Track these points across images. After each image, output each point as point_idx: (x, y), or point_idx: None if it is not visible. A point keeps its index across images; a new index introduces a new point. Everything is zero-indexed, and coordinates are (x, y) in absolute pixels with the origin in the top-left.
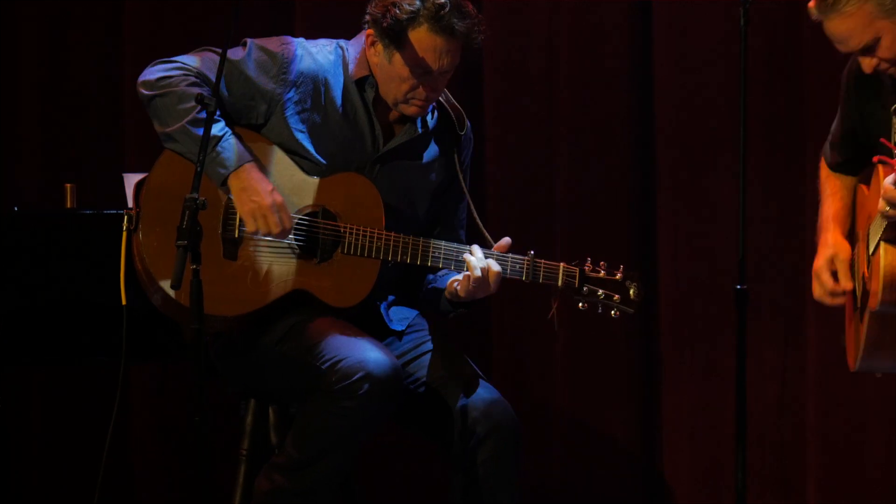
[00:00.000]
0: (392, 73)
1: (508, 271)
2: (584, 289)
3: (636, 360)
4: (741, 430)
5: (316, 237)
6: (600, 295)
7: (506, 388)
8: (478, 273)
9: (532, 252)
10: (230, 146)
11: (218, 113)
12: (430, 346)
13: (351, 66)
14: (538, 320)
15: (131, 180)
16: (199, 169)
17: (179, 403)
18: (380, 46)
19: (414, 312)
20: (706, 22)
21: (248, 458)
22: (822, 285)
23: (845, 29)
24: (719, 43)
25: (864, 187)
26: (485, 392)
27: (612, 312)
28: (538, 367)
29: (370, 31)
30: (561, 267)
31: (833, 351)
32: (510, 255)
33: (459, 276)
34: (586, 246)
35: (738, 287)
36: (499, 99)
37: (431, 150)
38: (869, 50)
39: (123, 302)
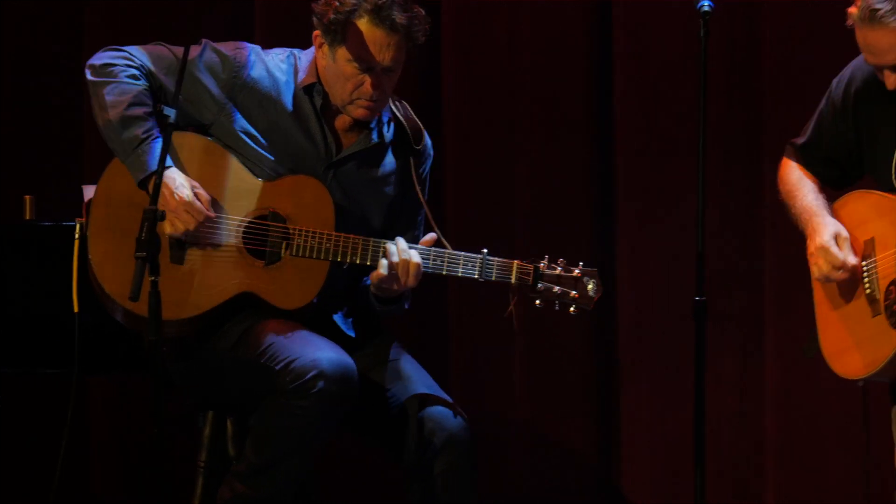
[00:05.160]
0: (337, 71)
1: (461, 271)
2: (540, 286)
3: (595, 371)
4: (699, 440)
5: (264, 240)
6: (556, 291)
7: (464, 399)
8: (394, 259)
9: (485, 250)
10: (152, 150)
11: (150, 111)
12: (387, 356)
13: (301, 74)
14: (497, 331)
15: (91, 192)
16: (157, 180)
17: (139, 415)
18: (326, 47)
19: (371, 323)
20: (666, 32)
21: (206, 470)
22: (829, 261)
23: (887, 42)
24: (679, 53)
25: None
26: (441, 404)
27: (571, 309)
28: (496, 378)
29: (317, 31)
30: (514, 264)
31: (791, 362)
32: (462, 252)
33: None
34: (546, 255)
35: (697, 298)
36: (458, 107)
37: (388, 163)
38: None
39: (75, 309)
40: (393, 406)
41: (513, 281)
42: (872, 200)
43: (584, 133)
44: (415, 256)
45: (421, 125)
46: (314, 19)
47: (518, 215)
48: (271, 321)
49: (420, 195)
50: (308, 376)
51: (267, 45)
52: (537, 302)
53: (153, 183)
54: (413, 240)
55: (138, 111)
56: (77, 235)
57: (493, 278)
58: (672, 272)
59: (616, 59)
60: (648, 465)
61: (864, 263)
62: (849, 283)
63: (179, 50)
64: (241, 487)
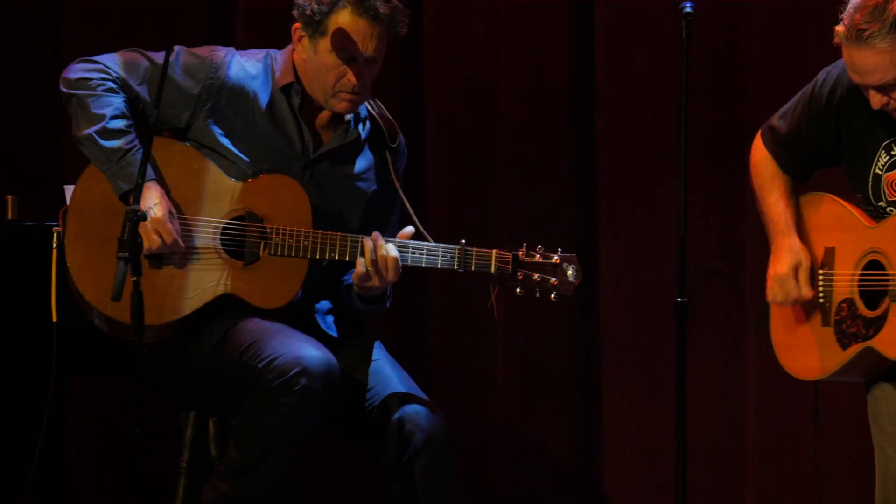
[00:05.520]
0: (319, 63)
1: (440, 263)
2: (519, 274)
3: (577, 370)
4: (681, 441)
5: (242, 240)
6: (536, 279)
7: (445, 399)
8: (371, 256)
9: (463, 241)
10: (136, 161)
11: (130, 124)
12: (369, 356)
13: (277, 74)
14: (478, 329)
15: (72, 193)
16: (139, 181)
17: (121, 416)
18: (306, 40)
19: (352, 322)
20: (648, 35)
21: (188, 470)
22: (787, 293)
23: (872, 63)
24: (661, 56)
25: (831, 202)
26: (420, 404)
27: (552, 296)
28: (478, 378)
29: (297, 24)
30: (493, 253)
31: (773, 362)
32: (440, 244)
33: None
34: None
35: (679, 299)
36: (440, 109)
37: (364, 160)
38: (886, 88)
39: (54, 319)
40: (373, 406)
41: (492, 270)
42: (839, 212)
43: (565, 133)
44: (392, 250)
45: (395, 123)
46: (295, 11)
47: (498, 219)
48: (251, 320)
49: (399, 191)
50: (291, 373)
51: (248, 45)
52: (518, 290)
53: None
54: (391, 237)
55: (120, 124)
56: (55, 244)
57: (473, 268)
58: (654, 272)
59: (598, 59)
60: (630, 465)
61: (821, 272)
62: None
63: (155, 55)
64: (224, 487)
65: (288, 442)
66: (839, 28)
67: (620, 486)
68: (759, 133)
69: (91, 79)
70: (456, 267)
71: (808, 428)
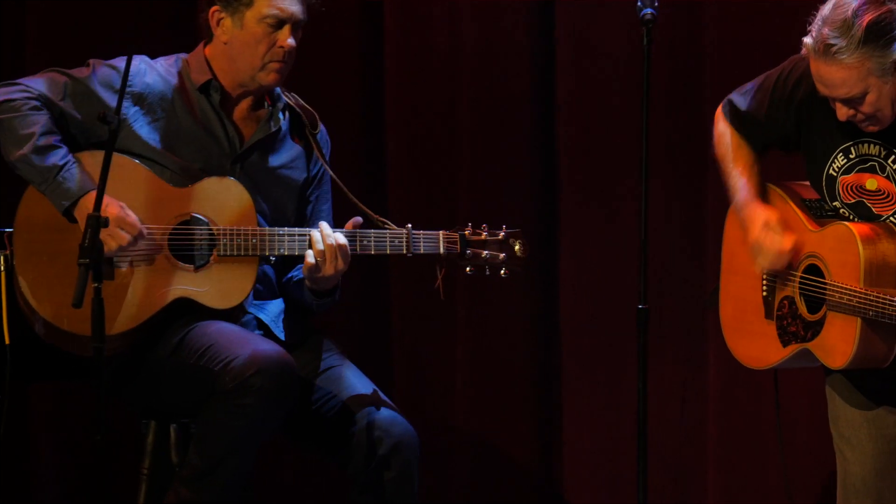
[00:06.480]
0: (246, 37)
1: (389, 248)
2: (468, 252)
3: (538, 378)
4: (642, 448)
5: (190, 244)
6: (485, 256)
7: (407, 407)
8: (320, 247)
9: (409, 225)
10: (72, 176)
11: (60, 139)
12: (328, 363)
13: (193, 74)
14: (439, 334)
15: (16, 213)
16: (101, 184)
17: (81, 423)
18: (227, 21)
19: (301, 323)
20: (609, 42)
21: (149, 477)
22: (769, 250)
23: (839, 78)
24: (622, 63)
25: (778, 195)
26: (385, 410)
27: (501, 272)
28: (439, 386)
29: (214, 8)
30: (441, 235)
31: (734, 369)
32: (388, 230)
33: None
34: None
35: (640, 306)
36: (400, 117)
37: (289, 150)
38: (853, 102)
39: (7, 342)
40: (336, 414)
41: (441, 251)
42: (786, 209)
43: (526, 144)
44: (340, 238)
45: (315, 112)
46: None
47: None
48: (207, 324)
49: (334, 177)
50: (248, 374)
51: None
52: (468, 269)
53: (79, 206)
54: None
55: (50, 140)
56: (2, 268)
57: (422, 251)
58: (615, 279)
59: (558, 68)
60: (591, 471)
61: None
62: (751, 265)
63: (75, 72)
64: (185, 492)
65: (248, 443)
66: (807, 40)
67: (581, 491)
68: (721, 107)
69: (14, 99)
70: (405, 251)
71: (770, 434)
